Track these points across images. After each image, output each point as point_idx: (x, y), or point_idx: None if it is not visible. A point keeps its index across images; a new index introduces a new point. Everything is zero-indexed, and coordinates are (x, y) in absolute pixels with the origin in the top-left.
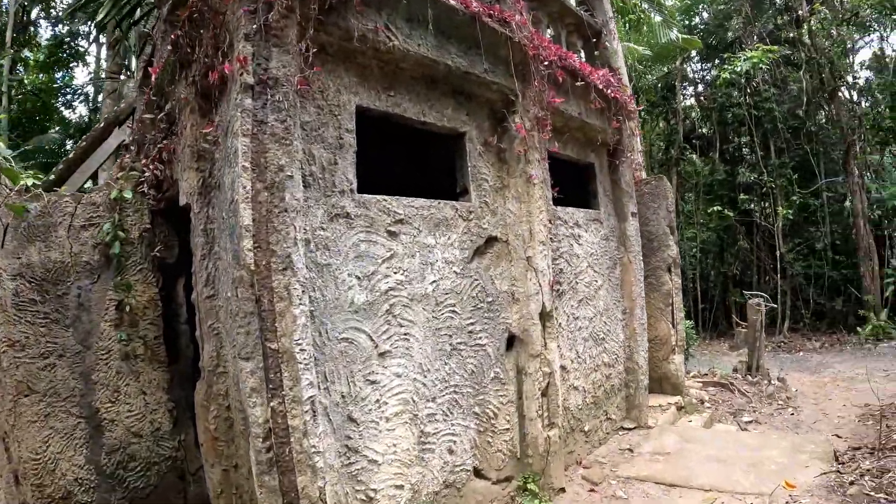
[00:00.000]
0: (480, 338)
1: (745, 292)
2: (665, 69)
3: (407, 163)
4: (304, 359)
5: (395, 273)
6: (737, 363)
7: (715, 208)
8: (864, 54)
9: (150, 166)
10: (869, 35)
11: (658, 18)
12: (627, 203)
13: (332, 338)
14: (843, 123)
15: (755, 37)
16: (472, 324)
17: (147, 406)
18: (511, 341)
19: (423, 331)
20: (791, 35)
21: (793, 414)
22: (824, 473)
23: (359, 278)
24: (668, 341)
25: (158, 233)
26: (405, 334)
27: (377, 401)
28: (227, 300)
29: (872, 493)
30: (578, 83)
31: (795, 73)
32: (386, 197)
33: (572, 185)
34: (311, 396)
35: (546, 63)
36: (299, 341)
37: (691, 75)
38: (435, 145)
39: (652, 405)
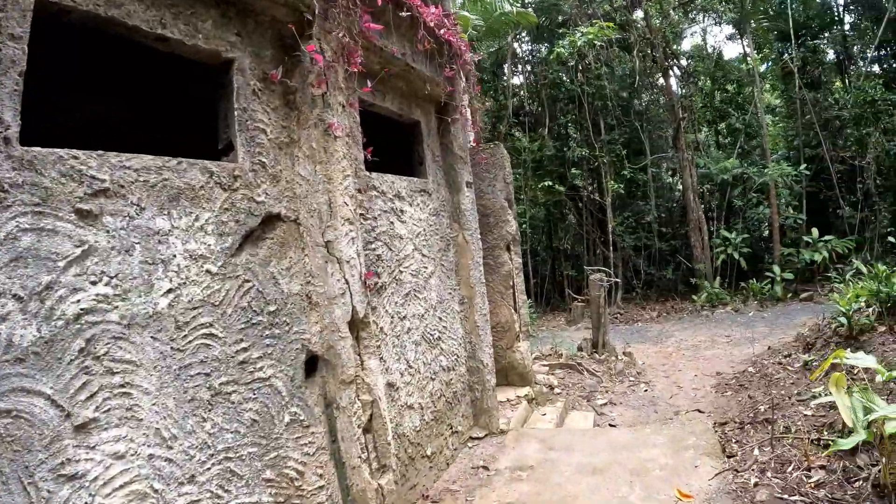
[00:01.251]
0: (262, 368)
1: (587, 268)
2: (496, 45)
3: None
4: None
5: (93, 283)
6: (580, 341)
7: (545, 183)
8: (685, 44)
9: None
10: (695, 24)
11: None
12: (461, 171)
13: None
14: (673, 102)
15: (588, 18)
16: (244, 350)
17: None
18: (313, 363)
19: (155, 375)
20: (625, 17)
21: (647, 390)
22: (719, 473)
23: (20, 299)
24: (512, 328)
25: None
26: (123, 386)
27: None
28: None
29: (786, 497)
30: (404, 13)
31: (627, 53)
32: (77, 152)
33: (393, 149)
34: None
35: None
36: None
37: (521, 54)
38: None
39: (500, 401)
